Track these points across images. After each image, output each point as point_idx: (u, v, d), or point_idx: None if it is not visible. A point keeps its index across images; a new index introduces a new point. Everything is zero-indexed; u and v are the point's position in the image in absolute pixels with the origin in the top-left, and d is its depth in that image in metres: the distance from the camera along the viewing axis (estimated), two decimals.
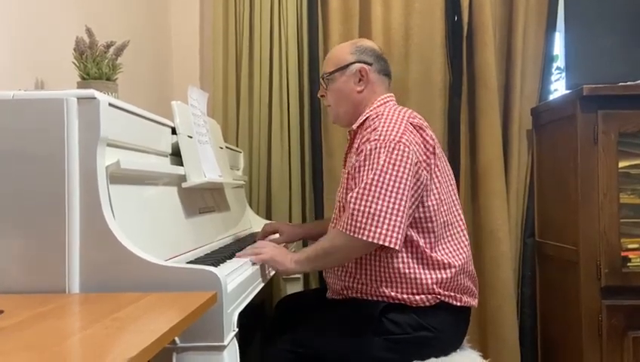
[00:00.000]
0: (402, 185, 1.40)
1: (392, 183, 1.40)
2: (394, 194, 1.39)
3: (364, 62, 1.63)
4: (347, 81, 1.64)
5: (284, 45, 2.40)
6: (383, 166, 1.41)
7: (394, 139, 1.44)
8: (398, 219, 1.38)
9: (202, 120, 1.70)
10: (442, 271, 1.48)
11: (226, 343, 1.03)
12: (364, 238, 1.38)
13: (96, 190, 1.05)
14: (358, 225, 1.39)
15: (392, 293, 1.48)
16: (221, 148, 1.93)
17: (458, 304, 1.51)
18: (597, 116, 1.95)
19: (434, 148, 1.52)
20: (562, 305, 2.15)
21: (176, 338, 1.01)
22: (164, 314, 0.87)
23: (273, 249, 1.51)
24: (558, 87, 2.68)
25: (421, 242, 1.48)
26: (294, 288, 2.25)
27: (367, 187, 1.41)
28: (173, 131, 1.49)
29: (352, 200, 1.41)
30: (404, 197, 1.40)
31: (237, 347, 1.08)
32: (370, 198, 1.39)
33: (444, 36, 2.40)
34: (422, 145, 1.49)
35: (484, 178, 2.34)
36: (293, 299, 1.93)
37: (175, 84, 2.61)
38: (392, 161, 1.42)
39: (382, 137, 1.45)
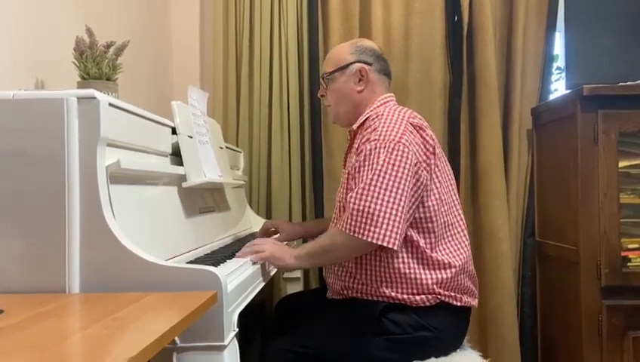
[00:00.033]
0: (402, 186, 1.40)
1: (391, 183, 1.40)
2: (393, 195, 1.39)
3: (364, 62, 1.63)
4: (347, 80, 1.64)
5: (284, 45, 2.40)
6: (382, 166, 1.41)
7: (394, 140, 1.44)
8: (397, 219, 1.38)
9: (202, 120, 1.70)
10: (442, 271, 1.48)
11: (226, 343, 1.03)
12: (364, 238, 1.39)
13: (97, 190, 1.05)
14: (358, 224, 1.39)
15: (393, 293, 1.48)
16: (221, 148, 1.93)
17: (458, 304, 1.51)
18: (597, 116, 1.95)
19: (434, 148, 1.52)
20: (562, 304, 2.15)
21: (177, 338, 1.01)
22: (164, 314, 0.87)
23: (272, 245, 1.51)
24: (558, 87, 2.68)
25: (421, 242, 1.48)
26: (294, 288, 2.25)
27: (367, 187, 1.41)
28: (174, 131, 1.49)
29: (352, 199, 1.42)
30: (404, 198, 1.40)
31: (237, 347, 1.08)
32: (369, 198, 1.39)
33: (444, 36, 2.40)
34: (422, 146, 1.49)
35: (485, 178, 2.34)
36: (294, 299, 1.93)
37: (175, 84, 2.61)
38: (392, 162, 1.42)
39: (382, 137, 1.45)
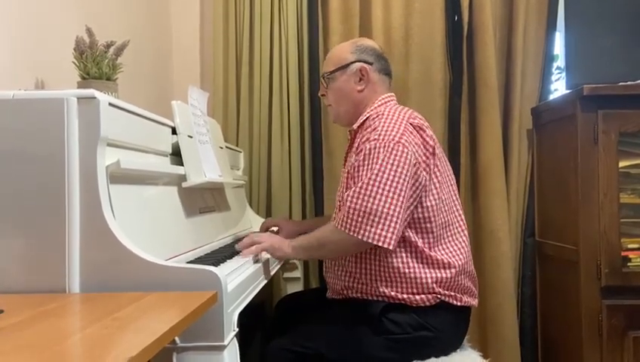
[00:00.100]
0: (400, 186, 1.40)
1: (389, 183, 1.40)
2: (391, 194, 1.39)
3: (365, 62, 1.63)
4: (348, 80, 1.64)
5: (284, 45, 2.40)
6: (381, 166, 1.42)
7: (393, 140, 1.44)
8: (394, 219, 1.39)
9: (202, 120, 1.70)
10: (442, 271, 1.48)
11: (226, 343, 1.03)
12: (359, 237, 1.39)
13: (97, 190, 1.05)
14: (354, 223, 1.40)
15: (392, 293, 1.48)
16: (221, 148, 1.93)
17: (458, 304, 1.51)
18: (597, 116, 1.95)
19: (433, 148, 1.52)
20: (562, 304, 2.15)
21: (177, 338, 1.01)
22: (165, 313, 0.87)
23: (270, 237, 1.56)
24: (559, 87, 2.68)
25: (419, 242, 1.48)
26: (294, 288, 2.25)
27: (365, 186, 1.41)
28: (174, 131, 1.49)
29: (349, 198, 1.42)
30: (402, 198, 1.40)
31: (237, 347, 1.08)
32: (366, 197, 1.40)
33: (444, 36, 2.40)
34: (421, 146, 1.49)
35: (485, 177, 2.34)
36: (293, 299, 1.94)
37: (175, 83, 2.61)
38: (391, 161, 1.42)
39: (381, 137, 1.46)
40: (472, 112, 2.41)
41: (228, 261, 1.37)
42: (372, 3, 2.41)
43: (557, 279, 2.21)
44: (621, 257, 1.94)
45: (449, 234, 1.54)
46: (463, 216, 1.61)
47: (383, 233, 1.38)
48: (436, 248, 1.50)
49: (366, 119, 1.58)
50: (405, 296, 1.48)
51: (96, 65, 1.46)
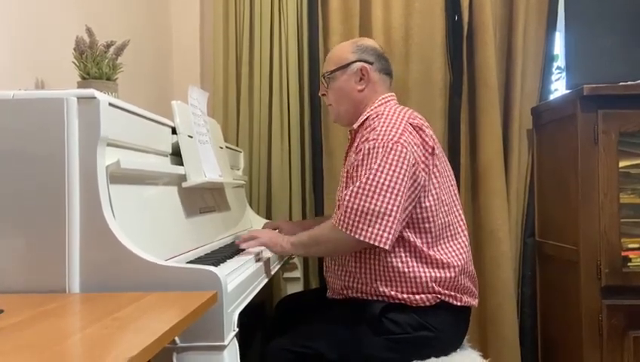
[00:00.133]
0: (397, 186, 1.41)
1: (387, 183, 1.40)
2: (388, 194, 1.40)
3: (365, 61, 1.63)
4: (348, 79, 1.64)
5: (284, 45, 2.40)
6: (379, 166, 1.42)
7: (392, 140, 1.44)
8: (390, 219, 1.39)
9: (202, 119, 1.70)
10: (441, 271, 1.48)
11: (226, 343, 1.03)
12: (355, 236, 1.40)
13: (97, 190, 1.05)
14: (350, 222, 1.40)
15: (392, 293, 1.48)
16: (221, 147, 1.93)
17: (458, 304, 1.51)
18: (597, 116, 1.95)
19: (433, 148, 1.52)
20: (562, 304, 2.15)
21: (177, 338, 1.01)
22: (164, 313, 0.87)
23: (268, 232, 1.61)
24: (559, 87, 2.68)
25: (418, 242, 1.48)
26: (294, 288, 2.25)
27: (363, 185, 1.41)
28: (174, 131, 1.49)
29: (347, 197, 1.42)
30: (399, 198, 1.40)
31: (237, 347, 1.08)
32: (364, 197, 1.40)
33: (444, 36, 2.40)
34: (421, 146, 1.49)
35: (485, 177, 2.34)
36: (294, 299, 1.94)
37: (175, 83, 2.61)
38: (389, 161, 1.42)
39: (380, 137, 1.46)
40: (472, 112, 2.41)
41: (228, 261, 1.37)
42: (372, 3, 2.41)
43: (557, 279, 2.21)
44: (621, 257, 1.94)
45: (448, 234, 1.54)
46: (463, 217, 1.61)
47: (380, 232, 1.38)
48: (435, 248, 1.50)
49: (366, 119, 1.58)
50: (405, 295, 1.48)
51: (96, 65, 1.46)
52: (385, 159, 1.42)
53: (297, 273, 2.26)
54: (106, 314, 0.84)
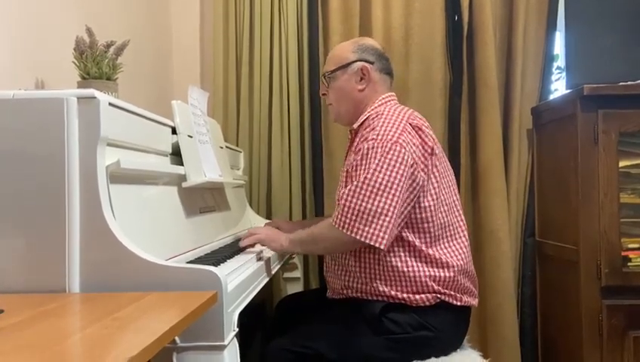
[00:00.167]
0: (396, 186, 1.41)
1: (385, 183, 1.40)
2: (386, 194, 1.40)
3: (366, 61, 1.63)
4: (349, 79, 1.64)
5: (284, 45, 2.40)
6: (377, 165, 1.42)
7: (391, 140, 1.44)
8: (387, 219, 1.39)
9: (202, 119, 1.70)
10: (441, 270, 1.48)
11: (226, 343, 1.03)
12: (352, 235, 1.41)
13: (97, 190, 1.05)
14: (347, 221, 1.41)
15: (392, 293, 1.48)
16: (221, 147, 1.93)
17: (458, 303, 1.51)
18: (597, 116, 1.95)
19: (432, 149, 1.52)
20: (562, 304, 2.15)
21: (177, 338, 1.01)
22: (165, 313, 0.87)
23: (268, 229, 1.64)
24: (559, 87, 2.68)
25: (417, 242, 1.49)
26: (294, 288, 2.25)
27: (360, 185, 1.42)
28: (174, 131, 1.49)
29: (345, 196, 1.43)
30: (397, 198, 1.40)
31: (237, 347, 1.08)
32: (362, 196, 1.41)
33: (444, 36, 2.40)
34: (420, 147, 1.49)
35: (485, 177, 2.34)
36: (294, 299, 1.94)
37: (175, 83, 2.61)
38: (388, 161, 1.42)
39: (379, 137, 1.46)
40: (472, 112, 2.41)
41: (228, 261, 1.37)
42: (372, 3, 2.41)
43: (557, 279, 2.21)
44: (621, 257, 1.94)
45: (448, 234, 1.54)
46: (462, 217, 1.61)
47: (377, 232, 1.39)
48: (435, 247, 1.50)
49: (366, 119, 1.58)
50: (405, 295, 1.48)
51: (96, 65, 1.46)
52: (383, 159, 1.42)
53: (297, 273, 2.26)
54: (106, 314, 0.84)
